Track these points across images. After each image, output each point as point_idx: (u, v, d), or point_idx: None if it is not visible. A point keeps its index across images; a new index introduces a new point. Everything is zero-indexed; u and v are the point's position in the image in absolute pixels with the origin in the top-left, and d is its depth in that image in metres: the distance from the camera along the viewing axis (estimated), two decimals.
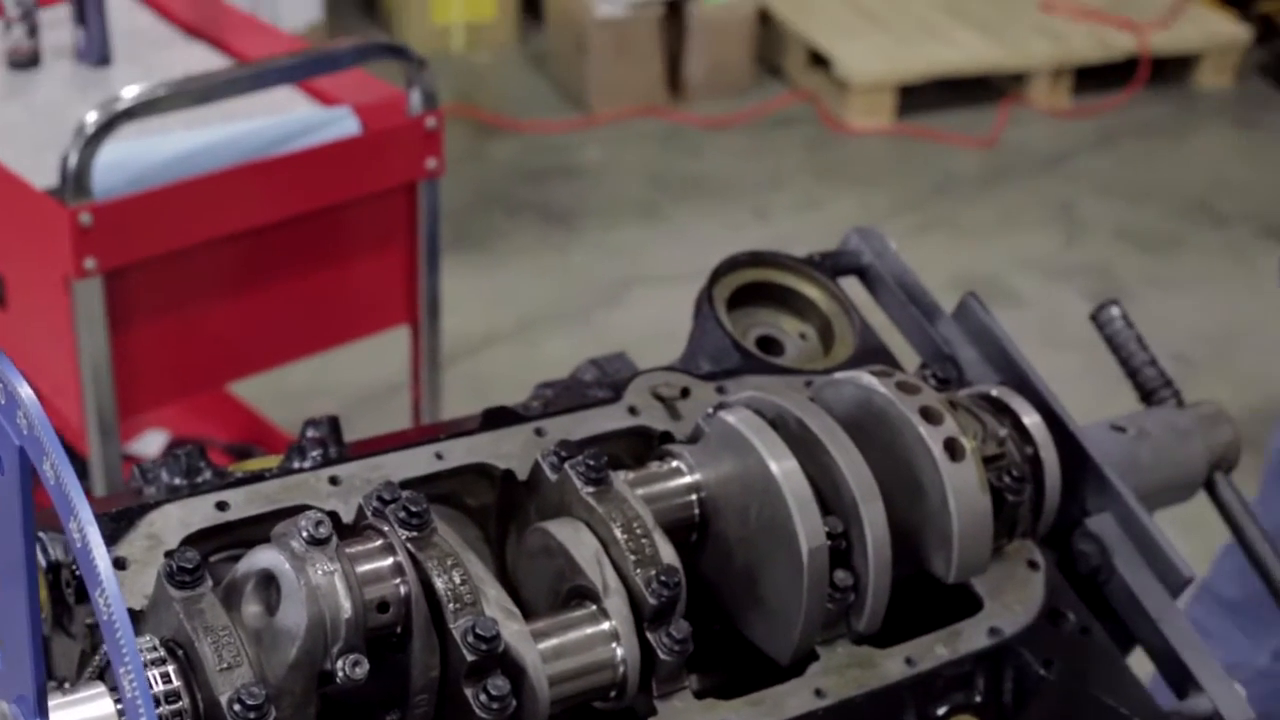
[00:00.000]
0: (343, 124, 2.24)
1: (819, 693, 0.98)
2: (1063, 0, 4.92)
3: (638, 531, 0.95)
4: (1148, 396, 1.30)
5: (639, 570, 0.94)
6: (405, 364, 2.46)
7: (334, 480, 0.99)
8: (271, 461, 1.03)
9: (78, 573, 0.90)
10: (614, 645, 0.92)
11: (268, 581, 0.85)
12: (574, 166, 4.30)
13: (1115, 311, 1.32)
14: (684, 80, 4.62)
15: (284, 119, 2.23)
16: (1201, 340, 3.66)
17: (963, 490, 1.01)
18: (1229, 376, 3.54)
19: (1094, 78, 4.77)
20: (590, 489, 0.97)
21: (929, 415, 1.02)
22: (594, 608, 0.93)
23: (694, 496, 1.02)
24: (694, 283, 1.19)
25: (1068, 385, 1.20)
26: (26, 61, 2.48)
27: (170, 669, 0.82)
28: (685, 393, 1.12)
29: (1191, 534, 1.70)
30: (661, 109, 4.57)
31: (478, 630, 0.86)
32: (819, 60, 4.66)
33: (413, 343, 2.40)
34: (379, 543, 0.89)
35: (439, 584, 0.88)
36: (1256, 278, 3.98)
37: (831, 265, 1.27)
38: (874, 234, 1.30)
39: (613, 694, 0.93)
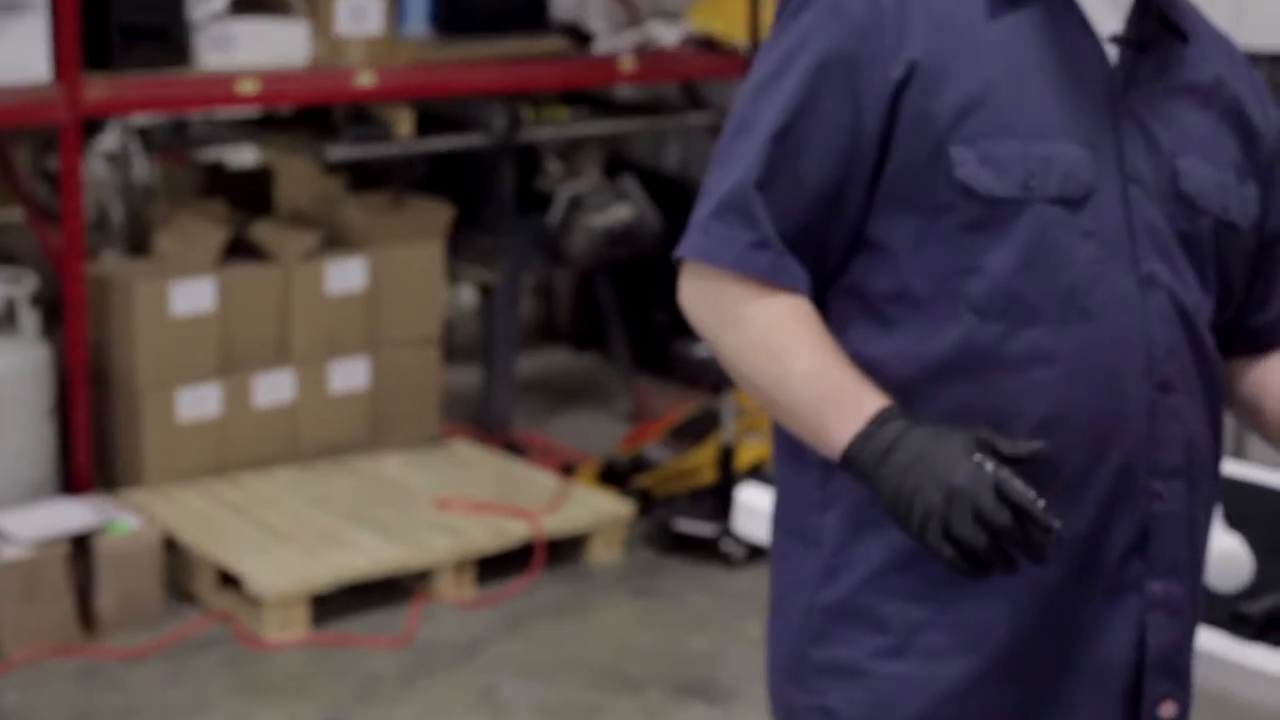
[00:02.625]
0: None
1: None
2: (457, 497, 5.18)
3: None
4: None
5: None
6: None
7: None
8: None
9: None
10: None
11: None
12: None
13: None
14: (96, 615, 4.59)
15: None
16: None
17: None
18: None
19: (496, 566, 5.00)
20: None
21: None
22: None
23: None
24: None
25: None
26: None
27: None
28: None
29: None
30: (76, 646, 4.51)
31: None
32: (230, 580, 4.72)
33: None
34: None
35: None
36: None
37: None
38: None
39: None
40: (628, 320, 6.44)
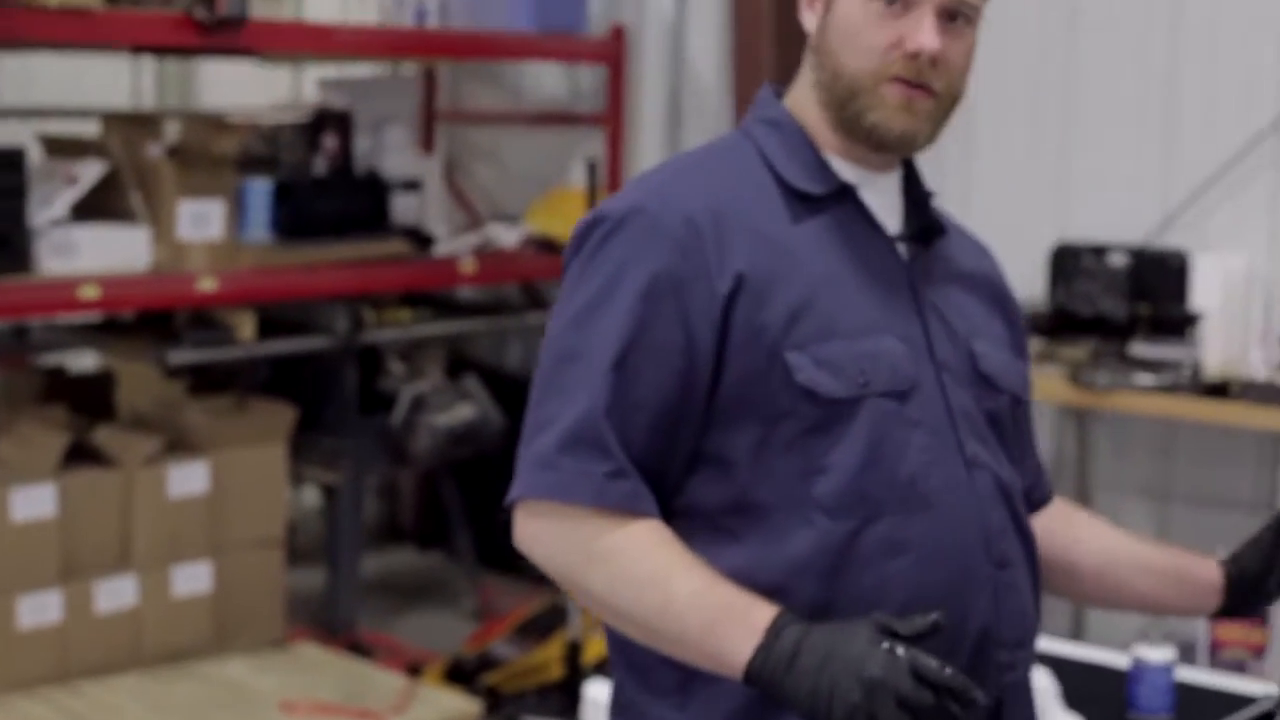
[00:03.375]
0: None
1: None
2: (302, 700, 5.12)
3: None
4: None
5: None
6: None
7: None
8: None
9: None
10: None
11: None
12: None
13: None
14: None
15: None
16: None
17: None
18: None
19: None
20: None
21: None
22: None
23: None
24: None
25: None
26: None
27: None
28: None
29: None
30: None
31: None
32: None
33: None
34: None
35: None
36: None
37: None
38: None
39: None
40: (472, 518, 6.46)
